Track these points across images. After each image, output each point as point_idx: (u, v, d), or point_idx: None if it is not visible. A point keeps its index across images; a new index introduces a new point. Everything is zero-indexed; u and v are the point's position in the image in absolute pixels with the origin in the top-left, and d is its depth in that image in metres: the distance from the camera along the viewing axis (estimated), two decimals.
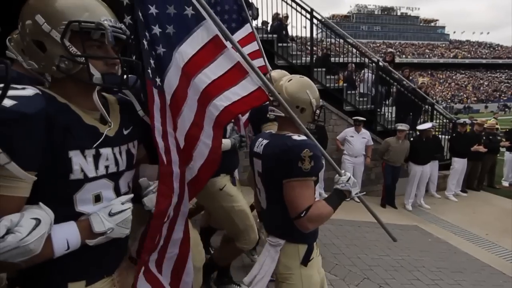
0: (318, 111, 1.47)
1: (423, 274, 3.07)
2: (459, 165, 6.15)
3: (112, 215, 0.90)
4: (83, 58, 0.85)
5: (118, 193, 0.98)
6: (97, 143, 0.91)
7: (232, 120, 2.19)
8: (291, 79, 1.44)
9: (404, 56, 57.58)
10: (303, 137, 1.32)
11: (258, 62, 2.70)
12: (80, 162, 0.87)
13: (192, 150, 1.25)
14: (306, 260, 1.38)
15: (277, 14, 6.98)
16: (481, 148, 6.02)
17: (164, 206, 1.07)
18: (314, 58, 7.63)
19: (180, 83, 1.21)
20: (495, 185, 6.97)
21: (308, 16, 6.00)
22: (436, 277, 3.05)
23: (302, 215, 1.24)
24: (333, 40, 6.48)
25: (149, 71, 1.11)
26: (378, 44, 61.96)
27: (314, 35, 6.42)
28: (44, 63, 0.87)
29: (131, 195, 0.99)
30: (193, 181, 1.28)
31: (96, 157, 0.91)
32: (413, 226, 4.77)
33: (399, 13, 69.14)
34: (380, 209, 5.54)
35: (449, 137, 6.45)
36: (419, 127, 5.71)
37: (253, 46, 2.74)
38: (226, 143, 2.01)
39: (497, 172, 7.38)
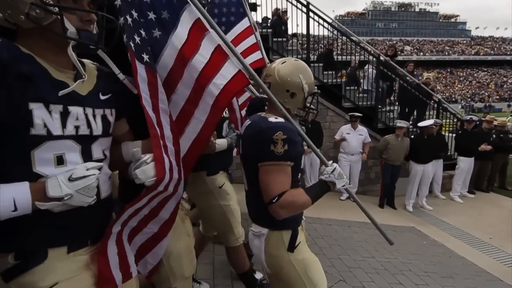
0: (310, 98, 1.38)
1: (407, 278, 2.87)
2: (465, 164, 5.81)
3: (72, 180, 0.82)
4: (57, 9, 0.80)
5: (88, 158, 0.91)
6: (63, 93, 0.83)
7: (227, 115, 2.13)
8: (285, 61, 1.37)
9: (422, 53, 55.82)
10: (280, 120, 1.26)
11: (256, 55, 2.71)
12: (44, 116, 0.81)
13: (185, 126, 1.27)
14: (292, 246, 1.32)
15: (276, 9, 6.87)
16: (487, 147, 5.66)
17: (162, 174, 1.02)
18: (315, 54, 7.48)
19: (176, 63, 1.24)
20: (507, 187, 6.54)
21: (305, 9, 5.83)
22: (422, 282, 2.85)
23: (274, 200, 1.19)
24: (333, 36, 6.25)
25: (131, 43, 1.09)
26: (394, 41, 60.34)
27: (315, 32, 6.23)
28: (11, 10, 0.80)
29: (101, 164, 0.91)
30: (183, 159, 1.27)
31: (64, 115, 0.85)
32: (409, 227, 4.53)
33: (417, 9, 67.01)
34: (377, 209, 5.31)
35: (455, 135, 6.11)
36: (420, 123, 5.43)
37: (252, 39, 2.71)
38: (222, 143, 1.94)
39: (510, 173, 6.95)
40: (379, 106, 6.27)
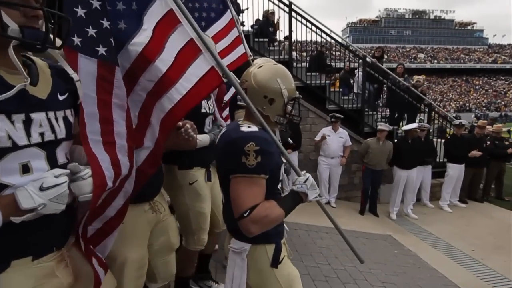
0: (291, 104, 1.29)
1: None
2: (454, 171, 5.49)
3: (44, 189, 0.80)
4: None
5: (54, 164, 0.88)
6: (3, 97, 0.77)
7: (210, 111, 2.02)
8: (262, 65, 1.28)
9: (436, 61, 54.68)
10: (254, 128, 1.16)
11: (239, 50, 2.62)
12: (7, 128, 0.77)
13: (148, 120, 1.25)
14: (276, 262, 1.24)
15: (267, 11, 6.80)
16: (477, 153, 5.33)
17: (100, 189, 0.99)
18: (302, 56, 7.35)
19: (140, 56, 1.20)
20: (503, 197, 6.15)
21: (287, 9, 5.73)
22: None
23: (245, 215, 1.10)
24: (319, 38, 6.08)
25: (76, 38, 1.04)
26: (408, 49, 59.48)
27: (298, 33, 6.11)
28: None
29: (67, 170, 0.89)
30: (150, 154, 1.26)
31: (27, 123, 0.82)
32: (385, 235, 4.28)
33: (432, 17, 65.82)
34: (357, 216, 5.07)
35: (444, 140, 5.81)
36: (404, 127, 5.19)
37: (234, 33, 2.64)
38: (204, 138, 1.83)
39: (509, 182, 6.54)
40: (366, 109, 6.06)
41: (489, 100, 43.92)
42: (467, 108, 38.84)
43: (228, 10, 2.64)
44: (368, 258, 3.35)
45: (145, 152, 1.28)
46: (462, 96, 46.14)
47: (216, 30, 2.57)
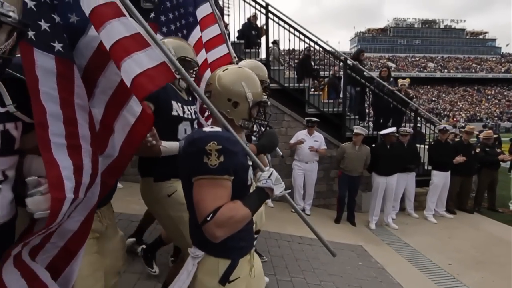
0: (257, 108, 1.27)
1: None
2: (439, 179, 5.16)
3: None
4: None
5: None
6: None
7: (185, 116, 1.89)
8: (227, 69, 1.27)
9: (446, 70, 53.76)
10: (216, 129, 1.13)
11: (220, 50, 2.46)
12: None
13: (113, 123, 1.17)
14: (225, 279, 1.15)
15: (254, 15, 6.72)
16: (461, 159, 4.99)
17: (58, 205, 0.90)
18: (289, 60, 7.20)
19: (96, 52, 1.13)
20: (497, 208, 5.74)
21: (264, 11, 5.62)
22: None
23: (209, 218, 1.02)
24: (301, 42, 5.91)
25: (30, 32, 0.96)
26: (417, 58, 58.76)
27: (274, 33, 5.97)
28: None
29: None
30: (115, 162, 1.17)
31: None
32: (355, 246, 3.99)
33: (442, 26, 65.03)
34: (332, 225, 4.79)
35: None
36: (382, 131, 4.93)
37: (214, 30, 2.48)
38: (172, 146, 1.66)
39: (504, 193, 6.13)
40: (348, 113, 5.82)
41: (501, 110, 42.62)
42: (478, 117, 37.75)
43: (208, 3, 2.49)
44: (324, 269, 3.09)
45: (106, 161, 1.17)
46: (473, 105, 45.00)
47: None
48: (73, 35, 1.09)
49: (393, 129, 4.82)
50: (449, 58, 58.07)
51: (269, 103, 2.92)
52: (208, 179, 1.05)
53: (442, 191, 5.25)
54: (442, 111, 43.06)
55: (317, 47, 5.84)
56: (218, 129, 1.14)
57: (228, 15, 6.48)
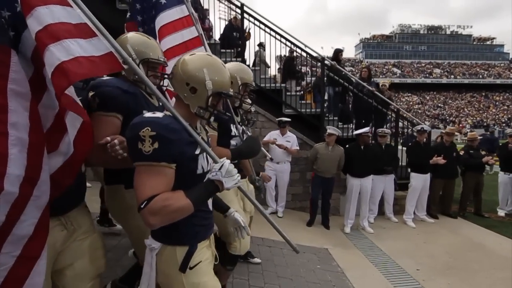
0: (217, 99, 1.22)
1: None
2: (417, 182, 4.96)
3: None
4: None
5: None
6: None
7: None
8: (194, 54, 1.25)
9: (452, 76, 53.09)
10: (157, 115, 1.10)
11: (189, 32, 2.33)
12: None
13: (64, 118, 1.11)
14: (185, 266, 1.15)
15: (235, 18, 6.71)
16: (439, 159, 4.80)
17: None
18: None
19: (36, 48, 1.08)
20: (482, 213, 5.48)
21: (239, 10, 5.59)
22: None
23: (142, 206, 1.02)
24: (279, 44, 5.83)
25: None
26: (423, 64, 58.25)
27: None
28: None
29: None
30: (68, 160, 1.13)
31: None
32: (319, 249, 3.83)
33: (448, 32, 64.45)
34: (303, 228, 4.63)
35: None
36: (356, 131, 4.79)
37: (192, 32, 2.35)
38: None
39: (492, 198, 5.87)
40: (327, 114, 5.69)
41: (509, 115, 41.68)
42: (485, 123, 36.94)
43: (184, 6, 2.37)
44: (274, 272, 2.95)
45: (59, 159, 1.13)
46: (480, 112, 44.19)
47: (167, 19, 2.27)
48: (20, 24, 1.05)
49: (366, 129, 4.67)
50: (455, 64, 57.38)
51: (252, 109, 2.81)
52: (145, 166, 1.05)
53: (422, 194, 5.05)
54: (448, 117, 42.35)
55: (298, 50, 5.77)
56: (160, 114, 1.10)
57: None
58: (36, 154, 1.01)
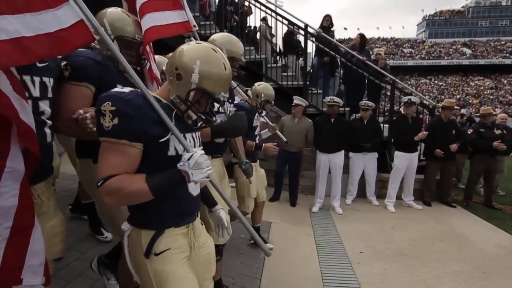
0: (199, 96, 1.09)
1: None
2: (401, 162, 4.35)
3: None
4: None
5: None
6: None
7: None
8: (199, 43, 1.16)
9: None
10: (125, 90, 1.04)
11: (178, 15, 2.05)
12: None
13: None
14: (148, 251, 1.08)
15: None
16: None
17: None
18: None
19: None
20: (493, 204, 4.59)
21: None
22: None
23: (99, 184, 0.99)
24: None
25: None
26: (503, 42, 49.82)
27: None
28: None
29: None
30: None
31: None
32: (264, 222, 3.65)
33: None
34: (267, 204, 4.44)
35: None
36: (325, 99, 4.35)
37: (181, 16, 2.04)
38: None
39: (502, 183, 4.88)
40: (310, 88, 5.28)
41: None
42: None
43: None
44: None
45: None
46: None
47: None
48: None
49: (335, 98, 4.21)
50: None
51: (272, 103, 2.72)
52: (107, 143, 1.00)
53: (407, 176, 4.43)
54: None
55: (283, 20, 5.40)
56: (127, 89, 1.04)
57: None
58: (3, 127, 0.97)
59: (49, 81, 1.23)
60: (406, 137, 4.27)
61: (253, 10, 6.06)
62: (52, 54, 1.07)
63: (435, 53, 49.40)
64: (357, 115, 4.83)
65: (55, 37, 1.01)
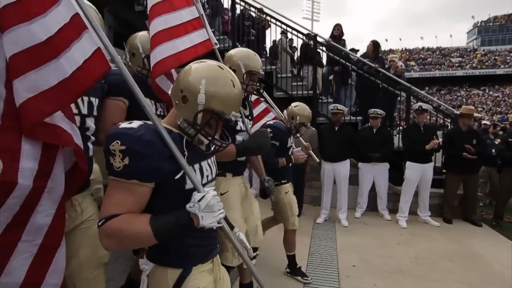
0: (207, 117, 1.01)
1: None
2: (412, 173, 4.03)
3: None
4: None
5: None
6: None
7: None
8: (205, 61, 1.08)
9: None
10: (133, 125, 0.95)
11: (199, 35, 2.08)
12: None
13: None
14: None
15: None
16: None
17: None
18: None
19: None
20: None
21: None
22: None
23: (99, 224, 0.91)
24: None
25: None
26: None
27: None
28: None
29: None
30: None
31: None
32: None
33: None
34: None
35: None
36: (330, 107, 4.23)
37: (192, 13, 2.05)
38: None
39: None
40: (321, 97, 5.21)
41: None
42: None
43: None
44: None
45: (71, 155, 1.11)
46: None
47: None
48: None
49: (335, 105, 4.09)
50: None
51: (308, 125, 2.78)
52: (116, 181, 0.93)
53: (421, 189, 4.09)
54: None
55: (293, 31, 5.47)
56: (135, 124, 0.95)
57: None
58: (49, 148, 0.99)
59: (95, 101, 1.39)
60: (416, 146, 3.98)
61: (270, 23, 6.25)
62: (85, 89, 1.05)
63: (489, 61, 45.21)
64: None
65: (84, 69, 1.00)
